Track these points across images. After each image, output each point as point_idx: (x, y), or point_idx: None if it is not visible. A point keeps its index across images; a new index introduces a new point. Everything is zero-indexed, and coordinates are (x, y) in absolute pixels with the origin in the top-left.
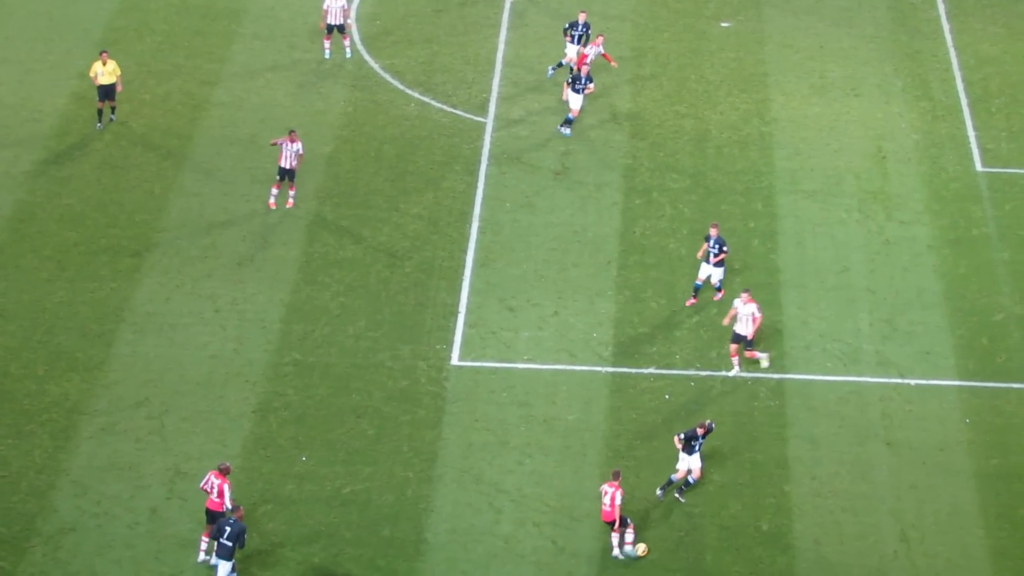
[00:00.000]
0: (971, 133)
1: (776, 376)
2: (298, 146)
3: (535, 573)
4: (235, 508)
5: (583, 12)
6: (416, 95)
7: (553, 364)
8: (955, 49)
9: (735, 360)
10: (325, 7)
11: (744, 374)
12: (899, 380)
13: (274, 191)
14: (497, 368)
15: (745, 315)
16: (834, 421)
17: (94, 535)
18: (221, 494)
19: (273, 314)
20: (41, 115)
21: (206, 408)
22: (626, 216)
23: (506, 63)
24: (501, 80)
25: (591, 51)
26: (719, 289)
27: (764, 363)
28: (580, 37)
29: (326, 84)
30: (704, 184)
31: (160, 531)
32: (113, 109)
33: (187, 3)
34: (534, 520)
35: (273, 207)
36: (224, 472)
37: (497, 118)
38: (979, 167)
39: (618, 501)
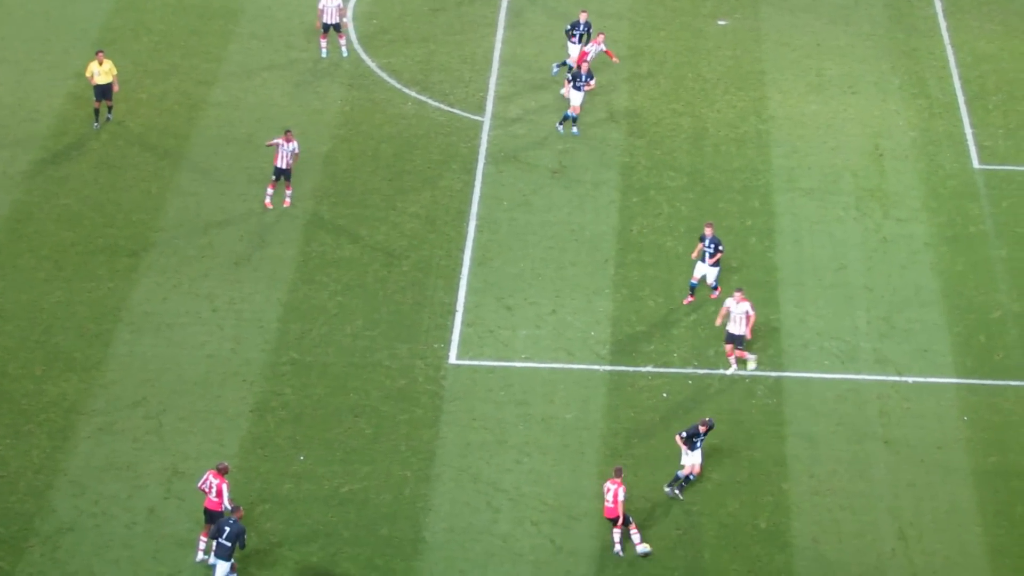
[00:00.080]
0: (968, 130)
1: (774, 374)
2: (294, 145)
3: (533, 572)
4: (235, 508)
5: (584, 12)
6: (413, 94)
7: (551, 363)
8: (952, 47)
9: (732, 359)
10: (321, 6)
11: (742, 372)
12: (897, 378)
13: (269, 191)
14: (495, 367)
15: (739, 314)
16: (832, 419)
17: (92, 535)
18: (220, 494)
19: (270, 313)
20: (38, 115)
21: (204, 408)
22: (623, 214)
23: (503, 62)
24: (498, 79)
25: (592, 49)
26: (715, 287)
27: (751, 364)
28: (582, 36)
29: (323, 83)
30: (701, 182)
31: (158, 531)
32: (110, 109)
33: (184, 3)
34: (532, 519)
35: (270, 207)
36: (222, 472)
37: (494, 117)
38: (976, 164)
39: (621, 498)
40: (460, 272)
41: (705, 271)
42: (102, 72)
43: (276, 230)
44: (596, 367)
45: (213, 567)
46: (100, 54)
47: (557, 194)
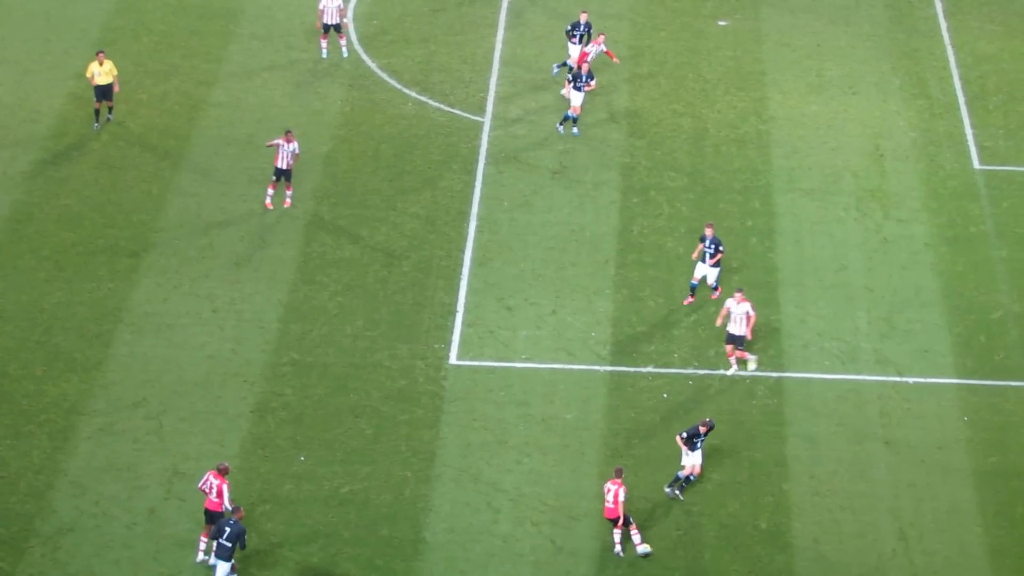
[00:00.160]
0: (968, 131)
1: (774, 375)
2: (294, 146)
3: (533, 572)
4: (236, 509)
5: (584, 12)
6: (413, 94)
7: (551, 363)
8: (952, 47)
9: (733, 359)
10: (321, 7)
11: (742, 373)
12: (897, 378)
13: (270, 191)
14: (495, 367)
15: (739, 315)
16: (832, 419)
17: (92, 536)
18: (220, 494)
19: (271, 314)
20: (38, 115)
21: (204, 408)
22: (624, 215)
23: (503, 62)
24: (499, 79)
25: (592, 49)
26: (716, 288)
27: (752, 365)
28: (582, 37)
29: (323, 84)
30: (702, 183)
31: (158, 531)
32: (110, 109)
33: (184, 3)
34: (532, 519)
35: (270, 207)
36: (223, 472)
37: (495, 117)
38: (976, 165)
39: (621, 498)
40: (460, 272)
41: (706, 272)
42: (102, 72)
43: (276, 231)
44: (596, 368)
45: (213, 568)
46: (100, 54)
47: (557, 194)
